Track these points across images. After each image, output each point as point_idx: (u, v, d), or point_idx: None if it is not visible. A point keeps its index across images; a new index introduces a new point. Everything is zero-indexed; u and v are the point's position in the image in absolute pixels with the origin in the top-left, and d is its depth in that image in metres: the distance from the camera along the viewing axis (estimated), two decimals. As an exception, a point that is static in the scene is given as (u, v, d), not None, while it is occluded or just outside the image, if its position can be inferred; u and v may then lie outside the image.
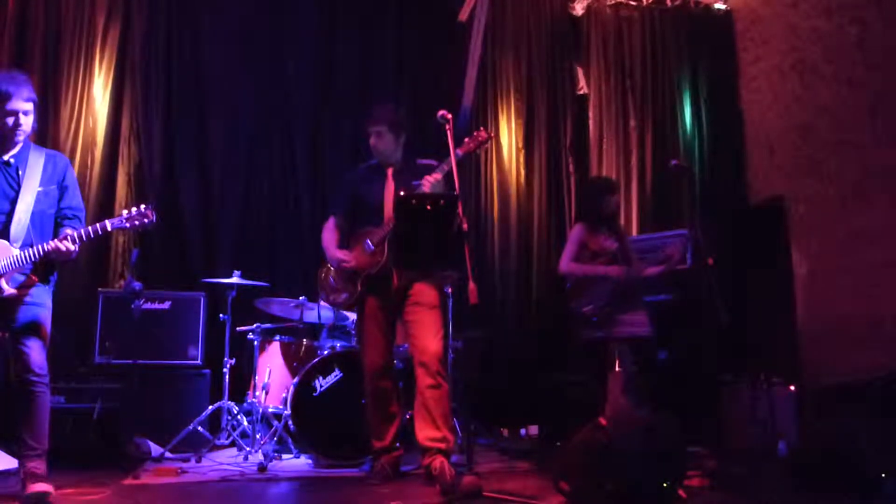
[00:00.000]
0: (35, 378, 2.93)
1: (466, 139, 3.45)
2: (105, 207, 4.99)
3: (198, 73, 5.37)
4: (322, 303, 4.08)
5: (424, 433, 3.29)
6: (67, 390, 3.98)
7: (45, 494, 2.83)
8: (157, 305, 4.55)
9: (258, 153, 5.42)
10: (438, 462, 3.21)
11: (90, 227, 2.93)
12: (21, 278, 2.93)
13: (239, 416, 4.19)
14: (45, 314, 3.01)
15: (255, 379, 4.26)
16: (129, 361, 4.11)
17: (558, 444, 4.56)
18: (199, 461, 3.91)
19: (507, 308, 5.67)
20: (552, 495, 2.88)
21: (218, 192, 5.28)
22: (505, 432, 5.24)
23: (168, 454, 3.97)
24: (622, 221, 5.71)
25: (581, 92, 6.11)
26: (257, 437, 4.07)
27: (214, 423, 4.41)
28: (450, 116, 3.21)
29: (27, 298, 2.95)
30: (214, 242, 5.22)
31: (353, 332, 4.35)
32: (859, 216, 4.97)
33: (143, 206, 3.02)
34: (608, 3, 6.20)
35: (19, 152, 3.04)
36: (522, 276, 5.76)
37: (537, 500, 2.89)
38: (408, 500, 2.97)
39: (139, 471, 3.52)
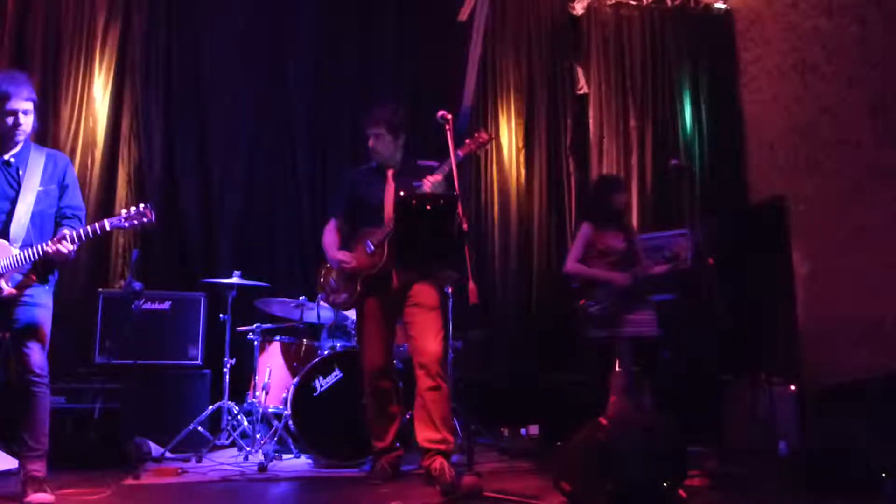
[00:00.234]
0: (35, 378, 2.93)
1: (467, 140, 3.45)
2: (105, 207, 4.98)
3: (198, 73, 5.37)
4: (322, 303, 4.08)
5: (424, 435, 3.29)
6: (68, 390, 3.98)
7: None
8: (157, 305, 4.55)
9: (258, 153, 5.42)
10: (438, 463, 3.21)
11: (88, 227, 2.93)
12: (20, 278, 2.92)
13: (239, 417, 4.19)
14: (45, 314, 3.01)
15: (255, 379, 4.26)
16: (130, 362, 4.12)
17: (559, 443, 4.55)
18: (199, 461, 3.91)
19: (507, 308, 5.67)
20: (552, 495, 2.88)
21: (218, 193, 5.28)
22: (505, 432, 5.23)
23: (168, 454, 3.97)
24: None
25: (581, 92, 6.10)
26: (257, 437, 4.08)
27: (215, 423, 4.41)
28: (450, 117, 3.20)
29: (27, 299, 2.94)
30: (214, 242, 5.22)
31: (353, 332, 4.34)
32: (860, 216, 4.96)
33: (141, 206, 3.02)
34: (608, 2, 6.20)
35: (20, 152, 3.04)
36: (522, 275, 5.76)
37: (538, 499, 2.89)
38: (408, 500, 2.97)
39: (139, 471, 3.52)
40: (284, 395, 4.07)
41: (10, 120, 2.96)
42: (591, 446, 2.75)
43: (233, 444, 4.24)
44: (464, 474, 2.94)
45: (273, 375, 4.22)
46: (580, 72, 6.12)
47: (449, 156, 3.21)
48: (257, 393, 4.18)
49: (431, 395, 3.29)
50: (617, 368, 3.80)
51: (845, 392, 4.08)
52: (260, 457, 3.81)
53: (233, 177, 5.32)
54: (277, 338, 4.33)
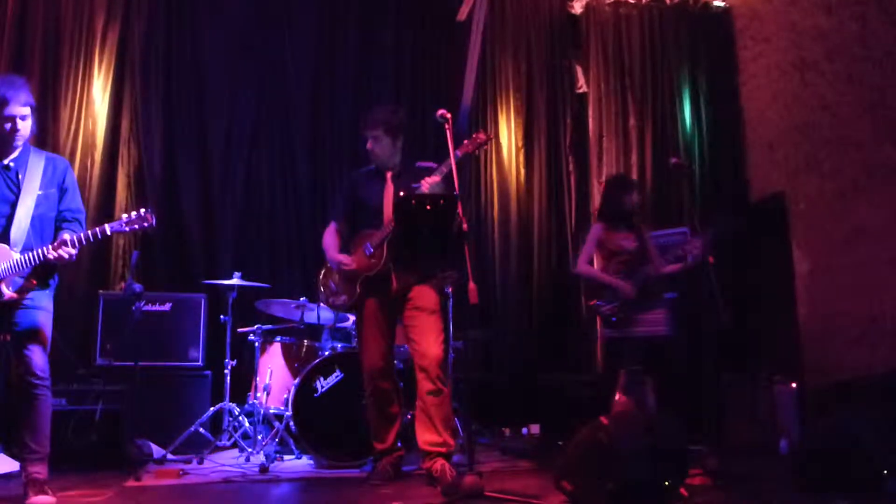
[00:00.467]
0: (37, 381, 2.93)
1: (465, 140, 3.44)
2: (105, 209, 4.99)
3: (198, 73, 5.37)
4: (322, 304, 4.08)
5: (425, 438, 3.30)
6: (69, 392, 3.98)
7: None
8: (157, 307, 4.55)
9: (257, 154, 5.42)
10: (439, 464, 3.21)
11: (89, 231, 2.93)
12: (21, 282, 2.93)
13: (240, 418, 4.19)
14: (46, 317, 3.01)
15: (256, 380, 4.26)
16: (131, 363, 4.11)
17: (559, 443, 4.56)
18: (200, 462, 3.92)
19: (507, 307, 5.67)
20: (554, 495, 2.88)
21: (218, 193, 5.28)
22: (506, 432, 5.24)
23: (170, 456, 3.97)
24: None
25: (580, 90, 6.10)
26: (259, 438, 4.08)
27: (216, 424, 4.42)
28: (449, 116, 3.20)
29: (28, 302, 2.95)
30: (215, 244, 5.23)
31: (353, 332, 4.35)
32: (860, 213, 4.96)
33: (142, 210, 3.02)
34: (607, 1, 6.19)
35: (19, 156, 3.04)
36: (523, 275, 5.76)
37: (539, 499, 2.89)
38: (409, 501, 2.97)
39: (141, 472, 3.52)
40: (285, 396, 4.07)
41: (7, 125, 2.96)
42: (591, 446, 2.75)
43: (234, 446, 4.25)
44: (465, 474, 2.94)
45: (274, 376, 4.22)
46: (579, 70, 6.12)
47: (447, 156, 3.21)
48: (258, 394, 4.18)
49: (432, 398, 3.29)
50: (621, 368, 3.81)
51: (846, 390, 4.08)
52: (261, 458, 3.82)
53: (233, 178, 5.32)
54: (278, 339, 4.33)
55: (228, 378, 4.32)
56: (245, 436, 4.19)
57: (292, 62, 5.55)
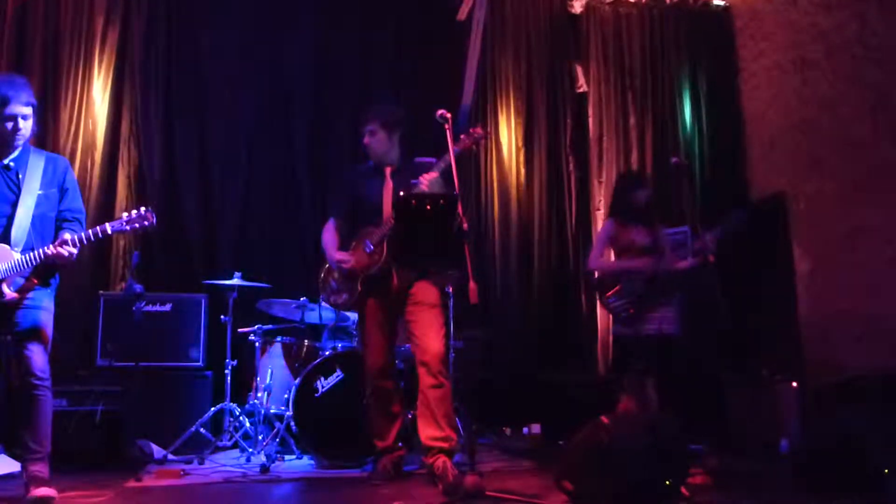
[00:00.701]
0: (37, 381, 2.93)
1: (462, 136, 3.45)
2: (105, 209, 4.99)
3: (197, 73, 5.38)
4: (323, 303, 4.08)
5: (427, 432, 3.29)
6: (69, 393, 3.98)
7: (48, 500, 2.83)
8: (158, 307, 4.55)
9: (258, 153, 5.42)
10: (441, 462, 3.21)
11: (90, 231, 2.94)
12: (22, 282, 2.93)
13: (241, 418, 4.19)
14: (47, 317, 3.01)
15: (256, 380, 4.26)
16: (131, 364, 4.11)
17: (560, 443, 4.56)
18: (201, 463, 3.92)
19: (507, 307, 5.67)
20: (555, 494, 2.88)
21: (218, 193, 5.28)
22: (507, 431, 5.24)
23: (170, 456, 3.97)
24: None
25: (580, 90, 6.10)
26: (259, 438, 4.08)
27: (216, 424, 4.42)
28: (449, 115, 3.21)
29: (29, 302, 2.95)
30: (215, 244, 5.23)
31: (354, 332, 4.35)
32: (861, 213, 4.96)
33: (143, 209, 3.03)
34: (607, 0, 6.20)
35: (19, 156, 3.04)
36: (523, 274, 5.76)
37: (540, 499, 2.89)
38: (410, 500, 2.97)
39: (142, 473, 3.53)
40: (286, 396, 4.07)
41: (9, 125, 2.96)
42: (593, 445, 2.75)
43: (235, 446, 4.24)
44: (466, 474, 2.94)
45: (274, 376, 4.22)
46: (579, 70, 6.11)
47: (446, 152, 3.21)
48: (259, 394, 4.18)
49: (434, 392, 3.29)
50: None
51: (846, 389, 4.07)
52: (262, 458, 3.82)
53: (233, 178, 5.33)
54: (279, 339, 4.33)
55: (229, 378, 4.32)
56: (246, 436, 4.19)
57: (292, 62, 5.55)
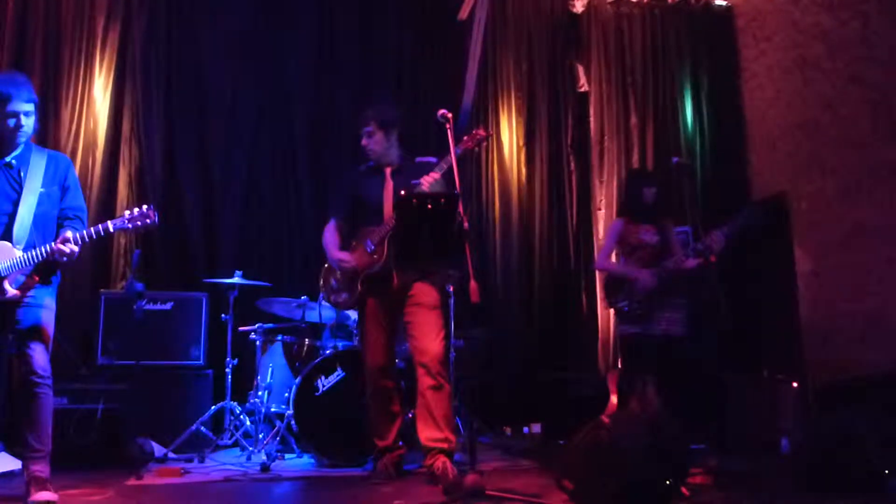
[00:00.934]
0: (38, 379, 2.93)
1: (465, 137, 3.46)
2: (106, 208, 4.99)
3: (198, 73, 5.37)
4: (324, 302, 4.08)
5: (426, 434, 3.30)
6: (70, 391, 3.98)
7: None
8: (159, 306, 4.56)
9: (258, 153, 5.42)
10: (441, 462, 3.21)
11: (92, 229, 2.94)
12: (23, 279, 2.93)
13: (241, 417, 4.20)
14: (49, 316, 3.01)
15: (257, 379, 4.26)
16: (132, 362, 4.12)
17: (561, 442, 4.56)
18: (202, 461, 3.92)
19: (508, 306, 5.66)
20: (555, 493, 2.88)
21: (219, 192, 5.28)
22: (508, 430, 5.24)
23: (171, 454, 3.97)
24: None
25: (582, 89, 6.10)
26: (260, 437, 4.08)
27: (217, 423, 4.42)
28: (450, 115, 3.20)
29: (30, 300, 2.95)
30: (216, 242, 5.23)
31: (355, 331, 4.35)
32: (862, 212, 4.95)
33: (144, 207, 3.03)
34: (608, 0, 6.19)
35: (21, 154, 3.04)
36: (524, 274, 5.76)
37: (540, 498, 2.89)
38: (410, 500, 2.97)
39: (142, 471, 3.53)
40: (286, 394, 4.07)
41: (11, 122, 2.96)
42: (593, 445, 2.75)
43: (235, 444, 4.25)
44: (466, 473, 2.94)
45: (275, 375, 4.22)
46: (581, 70, 6.11)
47: (447, 153, 3.21)
48: (259, 393, 4.18)
49: (433, 394, 3.29)
50: (619, 366, 3.82)
51: (847, 389, 4.07)
52: (262, 457, 3.82)
53: (234, 177, 5.33)
54: (279, 337, 4.33)
55: (230, 377, 4.32)
56: (246, 434, 4.19)
57: (292, 62, 5.55)
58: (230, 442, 4.31)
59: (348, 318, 4.35)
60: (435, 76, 5.74)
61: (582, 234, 5.89)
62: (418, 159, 3.58)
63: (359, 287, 3.49)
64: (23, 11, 5.04)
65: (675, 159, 4.66)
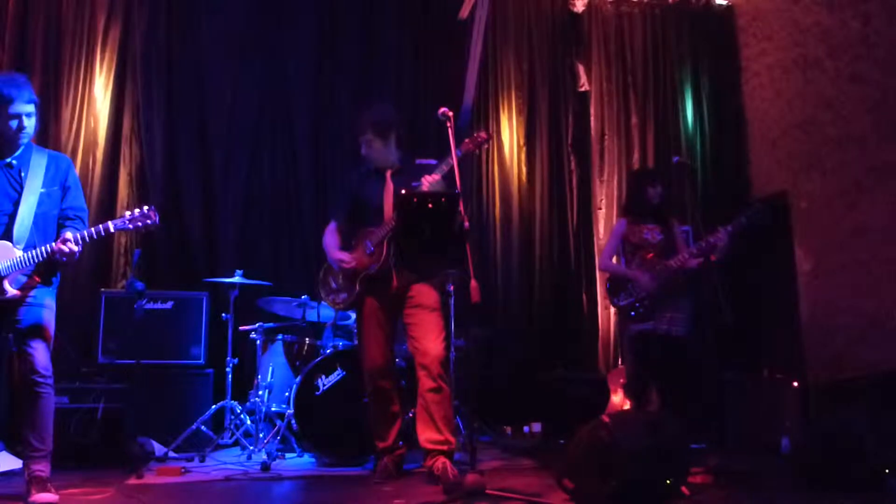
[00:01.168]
0: (39, 379, 2.94)
1: (466, 139, 3.45)
2: (107, 207, 5.00)
3: (198, 73, 5.37)
4: (323, 302, 4.08)
5: (426, 436, 3.30)
6: (71, 390, 3.98)
7: None
8: (159, 305, 4.56)
9: (259, 153, 5.42)
10: (441, 462, 3.22)
11: (93, 229, 2.94)
12: (24, 279, 2.93)
13: (242, 416, 4.20)
14: (49, 315, 3.01)
15: (257, 378, 4.27)
16: (132, 361, 4.12)
17: (561, 441, 4.56)
18: (202, 461, 3.92)
19: (509, 306, 5.67)
20: (555, 493, 2.88)
21: (220, 192, 5.28)
22: (508, 430, 5.24)
23: (171, 454, 3.98)
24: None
25: (582, 89, 6.09)
26: (260, 436, 4.08)
27: (218, 422, 4.43)
28: (451, 114, 3.21)
29: (31, 299, 2.95)
30: (216, 242, 5.23)
31: (355, 330, 4.34)
32: (862, 212, 4.95)
33: (145, 207, 3.03)
34: (609, -1, 6.20)
35: (21, 154, 3.04)
36: (524, 273, 5.76)
37: (540, 497, 2.89)
38: (411, 499, 2.97)
39: (143, 470, 3.53)
40: (287, 394, 4.08)
41: (13, 124, 2.97)
42: (593, 444, 2.75)
43: (236, 444, 4.25)
44: (466, 472, 2.94)
45: (276, 374, 4.22)
46: (581, 69, 6.11)
47: (447, 154, 3.21)
48: (260, 392, 4.18)
49: (433, 396, 3.29)
50: (620, 364, 3.82)
51: (847, 389, 4.07)
52: (263, 456, 3.82)
53: (234, 176, 5.33)
54: (280, 337, 4.33)
55: (230, 376, 4.33)
56: (247, 434, 4.19)
57: (292, 62, 5.54)
58: (231, 441, 4.31)
59: (349, 317, 4.35)
60: (435, 76, 5.74)
61: (582, 233, 5.89)
62: (418, 161, 3.57)
63: (358, 287, 3.49)
64: (23, 11, 5.04)
65: (675, 158, 4.67)
